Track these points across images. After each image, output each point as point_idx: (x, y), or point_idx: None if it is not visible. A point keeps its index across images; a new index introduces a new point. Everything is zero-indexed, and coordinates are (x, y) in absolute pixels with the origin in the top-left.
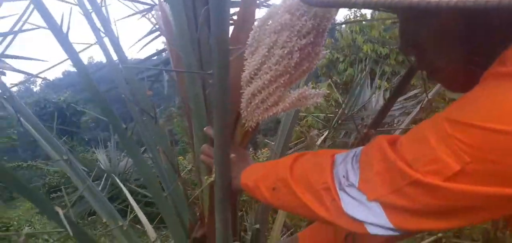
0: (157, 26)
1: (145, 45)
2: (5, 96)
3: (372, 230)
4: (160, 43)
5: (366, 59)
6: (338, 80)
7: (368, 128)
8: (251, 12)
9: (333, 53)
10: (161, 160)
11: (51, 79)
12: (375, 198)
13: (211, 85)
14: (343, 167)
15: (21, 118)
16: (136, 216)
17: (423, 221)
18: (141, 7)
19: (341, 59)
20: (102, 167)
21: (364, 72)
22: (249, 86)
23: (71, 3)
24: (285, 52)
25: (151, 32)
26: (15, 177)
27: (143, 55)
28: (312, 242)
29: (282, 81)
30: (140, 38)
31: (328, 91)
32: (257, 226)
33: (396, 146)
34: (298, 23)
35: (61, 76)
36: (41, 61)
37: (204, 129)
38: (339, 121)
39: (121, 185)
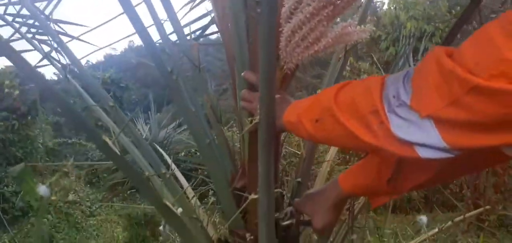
0: None
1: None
2: (75, 69)
3: (422, 152)
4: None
5: (409, 37)
6: (380, 59)
7: None
8: None
9: (375, 30)
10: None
11: (94, 62)
12: (428, 114)
13: (259, 17)
14: (393, 87)
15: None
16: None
17: (479, 136)
18: None
19: (383, 37)
20: (144, 137)
21: (406, 51)
22: (289, 22)
23: None
24: None
25: None
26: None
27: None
28: (352, 185)
29: (325, 14)
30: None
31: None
32: (299, 179)
33: (455, 55)
34: None
35: (103, 59)
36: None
37: (243, 73)
38: None
39: (161, 151)
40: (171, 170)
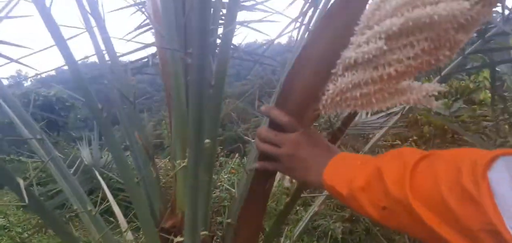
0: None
1: (136, 36)
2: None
3: None
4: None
5: None
6: None
7: (340, 125)
8: None
9: None
10: (136, 145)
11: (43, 76)
12: None
13: (189, 66)
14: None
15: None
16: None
17: None
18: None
19: None
20: (85, 161)
21: None
22: (351, 72)
23: None
24: (432, 46)
25: (141, 26)
26: None
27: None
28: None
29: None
30: (131, 31)
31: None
32: (229, 220)
33: None
34: (464, 10)
35: (55, 73)
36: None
37: (262, 108)
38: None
39: (99, 177)
40: (107, 201)
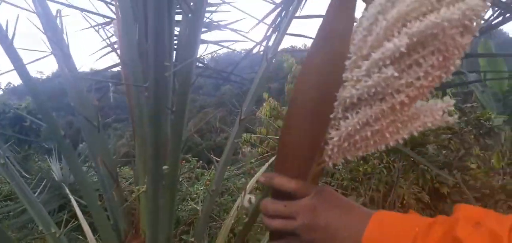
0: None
1: (100, 57)
2: None
3: None
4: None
5: None
6: None
7: None
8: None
9: None
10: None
11: (15, 85)
12: None
13: (146, 97)
14: None
15: None
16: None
17: None
18: (101, 19)
19: None
20: (55, 177)
21: None
22: (354, 112)
23: (27, 10)
24: (441, 59)
25: (107, 45)
26: None
27: (100, 66)
28: None
29: (405, 115)
30: (97, 51)
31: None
32: (192, 239)
33: None
34: (479, 7)
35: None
36: None
37: (261, 179)
38: None
39: (70, 194)
40: (74, 221)
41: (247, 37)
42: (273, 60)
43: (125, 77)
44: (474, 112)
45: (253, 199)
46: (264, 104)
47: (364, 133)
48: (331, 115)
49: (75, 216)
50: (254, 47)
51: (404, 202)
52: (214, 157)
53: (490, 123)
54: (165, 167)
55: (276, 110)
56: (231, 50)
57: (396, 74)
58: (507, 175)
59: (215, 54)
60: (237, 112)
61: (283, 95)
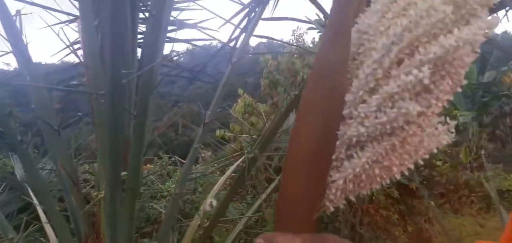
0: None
1: (65, 56)
2: None
3: None
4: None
5: (300, 83)
6: (279, 102)
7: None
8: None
9: (275, 74)
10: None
11: None
12: None
13: (102, 105)
14: None
15: None
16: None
17: None
18: (65, 17)
19: (281, 81)
20: (18, 176)
21: (289, 97)
22: (361, 151)
23: None
24: (451, 83)
25: (67, 46)
26: None
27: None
28: None
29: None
30: (61, 49)
31: None
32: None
33: None
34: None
35: None
36: None
37: (259, 240)
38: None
39: (32, 195)
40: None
41: (213, 37)
42: (250, 55)
43: (87, 79)
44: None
45: (214, 203)
46: (239, 100)
47: (371, 171)
48: (333, 156)
49: (38, 218)
50: (220, 49)
51: (374, 198)
52: (177, 158)
53: (456, 121)
54: (123, 173)
55: (250, 106)
56: (207, 45)
57: (419, 108)
58: (474, 169)
59: (191, 48)
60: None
61: (259, 89)
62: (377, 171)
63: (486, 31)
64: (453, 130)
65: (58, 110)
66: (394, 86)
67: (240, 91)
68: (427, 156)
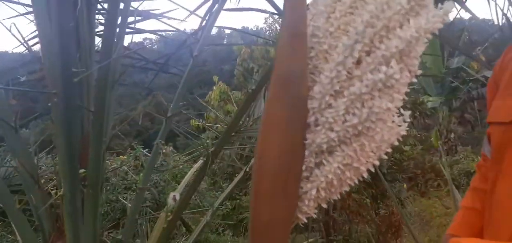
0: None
1: (32, 46)
2: None
3: None
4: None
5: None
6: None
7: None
8: None
9: (249, 62)
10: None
11: None
12: None
13: (54, 104)
14: None
15: None
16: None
17: None
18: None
19: (256, 69)
20: None
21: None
22: (330, 157)
23: None
24: (408, 73)
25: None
26: None
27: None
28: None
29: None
30: (18, 45)
31: None
32: (120, 236)
33: None
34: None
35: None
36: None
37: None
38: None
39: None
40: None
41: (176, 28)
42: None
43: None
44: (413, 95)
45: (177, 196)
46: (214, 87)
47: (343, 175)
48: (304, 167)
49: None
50: (182, 44)
51: None
52: (143, 151)
53: (424, 106)
54: (81, 170)
55: (225, 94)
56: (181, 32)
57: (390, 105)
58: (444, 152)
59: (164, 34)
60: (186, 95)
61: (234, 76)
62: (348, 174)
63: (444, 18)
64: (408, 119)
65: (28, 102)
66: (362, 87)
67: (215, 79)
68: (390, 150)
